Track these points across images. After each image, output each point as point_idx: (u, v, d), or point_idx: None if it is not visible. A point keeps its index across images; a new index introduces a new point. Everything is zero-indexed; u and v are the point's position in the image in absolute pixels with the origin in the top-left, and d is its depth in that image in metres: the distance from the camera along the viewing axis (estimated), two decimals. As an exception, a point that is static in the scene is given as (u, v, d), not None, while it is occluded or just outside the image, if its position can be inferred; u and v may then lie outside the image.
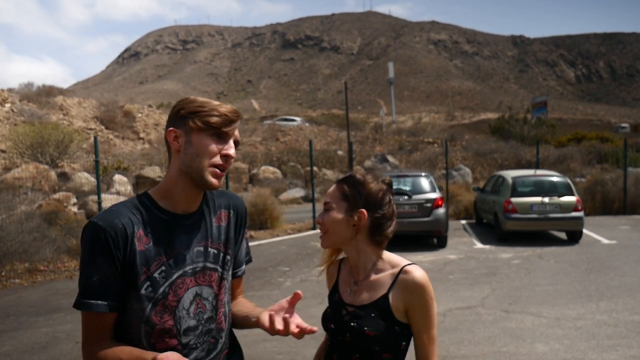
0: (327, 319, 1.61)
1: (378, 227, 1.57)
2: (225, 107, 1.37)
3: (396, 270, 1.54)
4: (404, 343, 1.52)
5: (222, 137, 1.36)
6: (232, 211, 1.52)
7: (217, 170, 1.36)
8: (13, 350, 4.84)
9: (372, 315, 1.50)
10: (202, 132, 1.34)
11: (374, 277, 1.56)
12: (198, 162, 1.34)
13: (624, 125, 53.73)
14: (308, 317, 5.45)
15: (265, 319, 1.33)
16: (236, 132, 1.40)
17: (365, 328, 1.48)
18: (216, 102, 1.38)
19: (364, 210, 1.55)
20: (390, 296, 1.51)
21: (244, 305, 1.59)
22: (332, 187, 1.62)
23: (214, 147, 1.35)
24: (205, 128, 1.34)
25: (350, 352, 1.52)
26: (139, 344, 1.33)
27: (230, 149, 1.37)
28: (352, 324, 1.51)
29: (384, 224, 1.57)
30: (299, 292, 1.36)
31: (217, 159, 1.35)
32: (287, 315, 1.31)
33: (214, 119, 1.33)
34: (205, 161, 1.34)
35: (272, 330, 1.30)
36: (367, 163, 25.11)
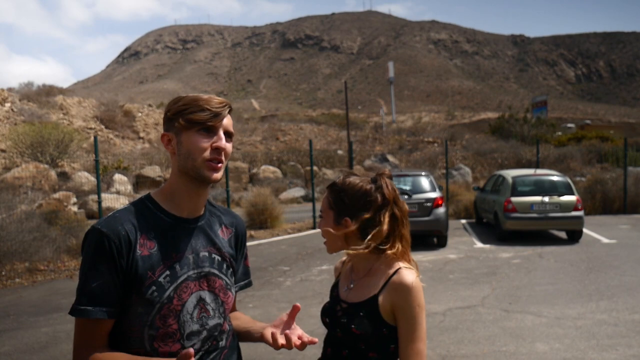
0: (324, 313, 1.63)
1: (367, 231, 1.53)
2: (211, 101, 1.34)
3: (391, 271, 1.52)
4: (392, 346, 1.50)
5: (210, 130, 1.34)
6: (233, 229, 1.54)
7: (212, 164, 1.34)
8: (13, 350, 4.83)
9: (361, 314, 1.50)
10: (189, 131, 1.33)
11: (370, 277, 1.56)
12: (192, 161, 1.33)
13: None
14: (308, 317, 5.46)
15: (268, 336, 1.41)
16: (225, 123, 1.37)
17: (352, 326, 1.49)
18: (205, 96, 1.36)
19: (347, 218, 1.53)
20: (380, 297, 1.49)
21: (242, 320, 1.60)
22: (325, 194, 1.63)
23: (203, 142, 1.33)
24: (190, 125, 1.33)
25: (340, 348, 1.54)
26: (140, 348, 1.32)
27: (220, 141, 1.34)
28: (342, 320, 1.53)
29: (373, 228, 1.53)
30: (298, 304, 1.42)
31: (209, 154, 1.33)
32: (288, 330, 1.40)
33: (197, 115, 1.31)
34: (198, 158, 1.33)
35: (275, 346, 1.38)
36: (367, 162, 25.12)
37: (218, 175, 1.36)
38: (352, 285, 1.59)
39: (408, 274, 1.49)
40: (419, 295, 1.47)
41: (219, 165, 1.35)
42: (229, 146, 1.37)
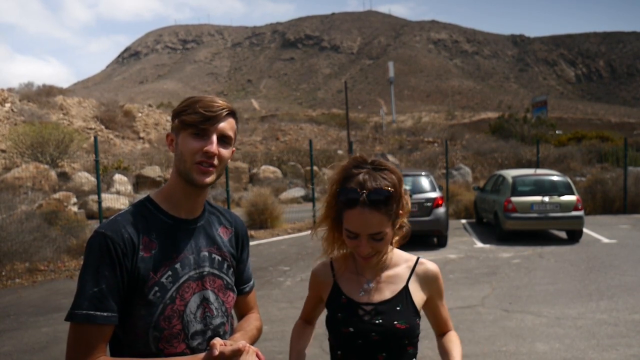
0: (341, 324, 1.50)
1: (401, 225, 1.56)
2: (208, 104, 1.32)
3: (411, 263, 1.57)
4: (419, 333, 1.52)
5: (203, 134, 1.32)
6: (232, 229, 1.54)
7: (202, 167, 1.32)
8: (13, 350, 4.83)
9: (398, 308, 1.48)
10: (184, 132, 1.33)
11: (390, 272, 1.55)
12: (184, 162, 1.33)
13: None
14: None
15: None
16: (221, 127, 1.34)
17: (395, 322, 1.46)
18: (207, 98, 1.35)
19: (405, 221, 1.54)
20: (411, 288, 1.53)
21: (241, 325, 1.55)
22: (369, 213, 1.40)
23: (194, 145, 1.31)
24: (184, 127, 1.33)
25: (374, 353, 1.46)
26: (146, 349, 1.31)
27: (210, 145, 1.31)
28: (377, 321, 1.47)
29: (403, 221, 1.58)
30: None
31: (199, 156, 1.32)
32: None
33: (190, 117, 1.31)
34: (189, 160, 1.32)
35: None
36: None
37: (208, 179, 1.34)
38: (369, 287, 1.53)
39: (429, 262, 1.59)
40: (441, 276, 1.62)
41: (210, 169, 1.33)
42: (223, 151, 1.34)
